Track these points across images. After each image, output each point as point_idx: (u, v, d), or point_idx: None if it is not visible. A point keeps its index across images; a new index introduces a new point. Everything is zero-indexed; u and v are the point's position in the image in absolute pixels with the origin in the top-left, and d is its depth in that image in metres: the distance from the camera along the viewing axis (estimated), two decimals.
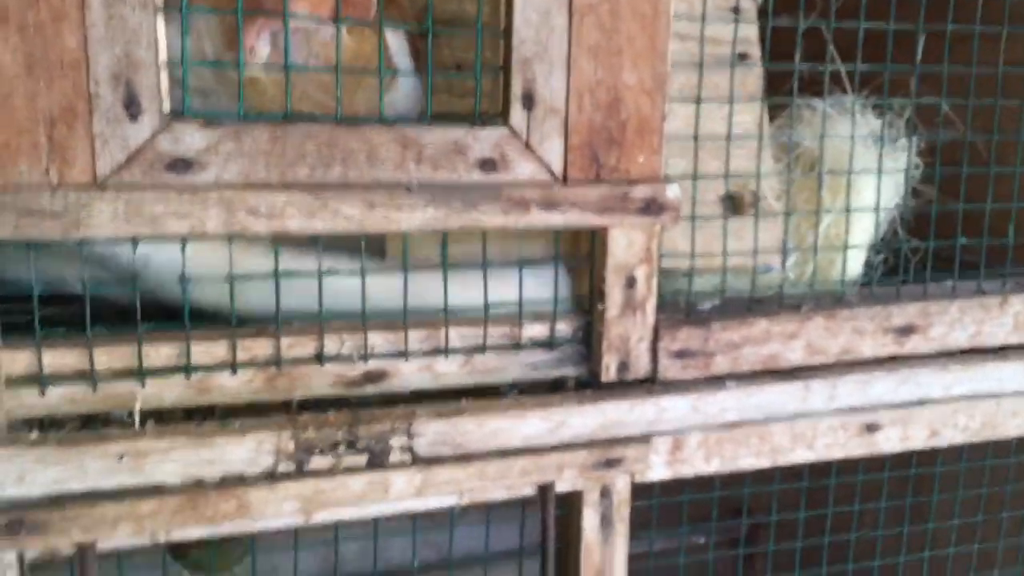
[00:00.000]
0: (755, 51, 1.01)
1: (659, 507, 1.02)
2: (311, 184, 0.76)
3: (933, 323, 1.04)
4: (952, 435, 1.07)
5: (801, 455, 1.02)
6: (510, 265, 0.89)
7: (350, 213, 0.77)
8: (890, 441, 1.05)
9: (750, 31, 1.00)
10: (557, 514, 0.96)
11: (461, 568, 1.68)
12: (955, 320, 1.05)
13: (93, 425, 0.80)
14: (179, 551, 1.31)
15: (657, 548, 1.15)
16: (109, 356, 0.79)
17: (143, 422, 0.81)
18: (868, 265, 1.05)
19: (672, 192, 0.87)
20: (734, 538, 1.24)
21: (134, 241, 0.75)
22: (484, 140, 0.79)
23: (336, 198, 0.76)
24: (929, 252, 1.04)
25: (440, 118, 0.79)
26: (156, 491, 0.79)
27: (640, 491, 0.97)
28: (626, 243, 0.89)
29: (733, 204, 0.97)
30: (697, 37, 0.92)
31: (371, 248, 0.89)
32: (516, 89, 0.79)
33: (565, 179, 0.83)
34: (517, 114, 0.79)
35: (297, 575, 0.98)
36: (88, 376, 0.78)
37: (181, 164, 0.71)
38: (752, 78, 0.98)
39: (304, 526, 0.86)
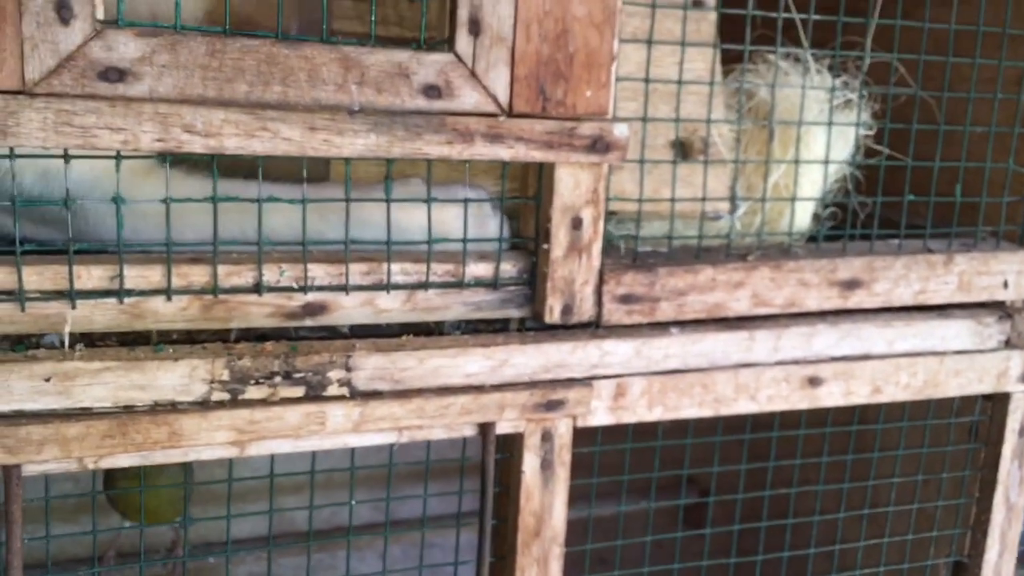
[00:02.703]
0: None
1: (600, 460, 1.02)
2: (250, 103, 0.74)
3: (878, 278, 1.04)
4: (894, 392, 1.08)
5: (744, 406, 1.02)
6: (456, 202, 0.88)
7: (290, 135, 0.76)
8: (832, 396, 1.05)
9: None
10: (498, 458, 0.95)
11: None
12: (900, 276, 1.05)
13: (21, 348, 0.78)
14: (115, 492, 1.29)
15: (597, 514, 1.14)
16: (39, 276, 0.77)
17: (72, 345, 0.79)
18: (816, 219, 1.05)
19: (619, 131, 0.87)
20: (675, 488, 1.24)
21: (66, 154, 0.73)
22: (429, 65, 0.78)
23: (276, 119, 0.75)
24: (877, 208, 1.05)
25: (385, 41, 0.78)
26: (84, 415, 0.78)
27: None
28: (573, 183, 0.89)
29: (683, 149, 0.97)
30: None
31: (313, 175, 0.87)
32: (462, 15, 0.78)
33: (511, 110, 0.82)
34: (463, 40, 0.78)
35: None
36: (16, 295, 0.76)
37: (114, 73, 0.69)
38: (706, 24, 0.97)
39: (239, 457, 0.85)
